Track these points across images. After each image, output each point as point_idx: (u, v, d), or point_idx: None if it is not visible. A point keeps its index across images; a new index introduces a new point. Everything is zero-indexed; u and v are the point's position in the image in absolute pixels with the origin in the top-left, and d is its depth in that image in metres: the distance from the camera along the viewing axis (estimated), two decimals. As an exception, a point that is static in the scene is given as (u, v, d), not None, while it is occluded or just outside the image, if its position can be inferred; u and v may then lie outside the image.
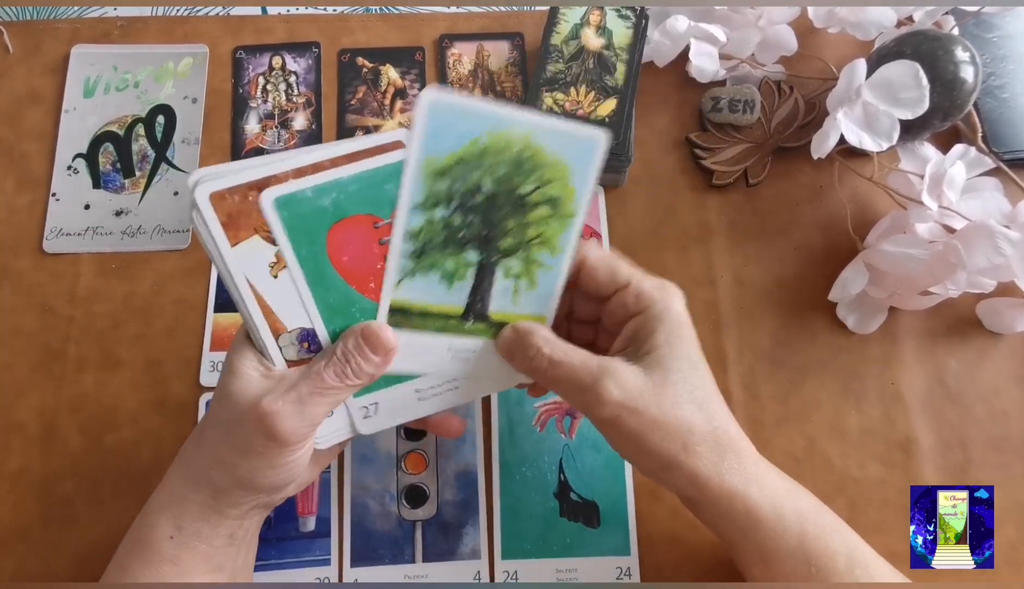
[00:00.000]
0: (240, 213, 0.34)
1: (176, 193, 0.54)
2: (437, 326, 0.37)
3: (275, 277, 0.35)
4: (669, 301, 0.37)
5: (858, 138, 0.46)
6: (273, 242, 0.35)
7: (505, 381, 0.40)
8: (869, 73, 0.46)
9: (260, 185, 0.34)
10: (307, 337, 0.36)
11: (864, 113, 0.47)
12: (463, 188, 0.35)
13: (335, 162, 0.35)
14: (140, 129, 0.56)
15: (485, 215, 0.36)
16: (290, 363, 0.36)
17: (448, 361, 0.38)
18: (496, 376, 0.39)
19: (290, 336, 0.36)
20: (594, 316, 0.40)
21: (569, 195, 0.36)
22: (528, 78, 0.58)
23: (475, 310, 0.38)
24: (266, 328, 0.35)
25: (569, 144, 0.35)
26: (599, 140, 0.36)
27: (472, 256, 0.37)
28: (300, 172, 0.34)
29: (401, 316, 0.37)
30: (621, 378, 0.35)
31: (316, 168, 0.34)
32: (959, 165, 0.47)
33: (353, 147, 0.35)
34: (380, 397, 0.38)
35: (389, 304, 0.36)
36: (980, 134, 0.53)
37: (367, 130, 0.56)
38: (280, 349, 0.36)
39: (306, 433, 0.35)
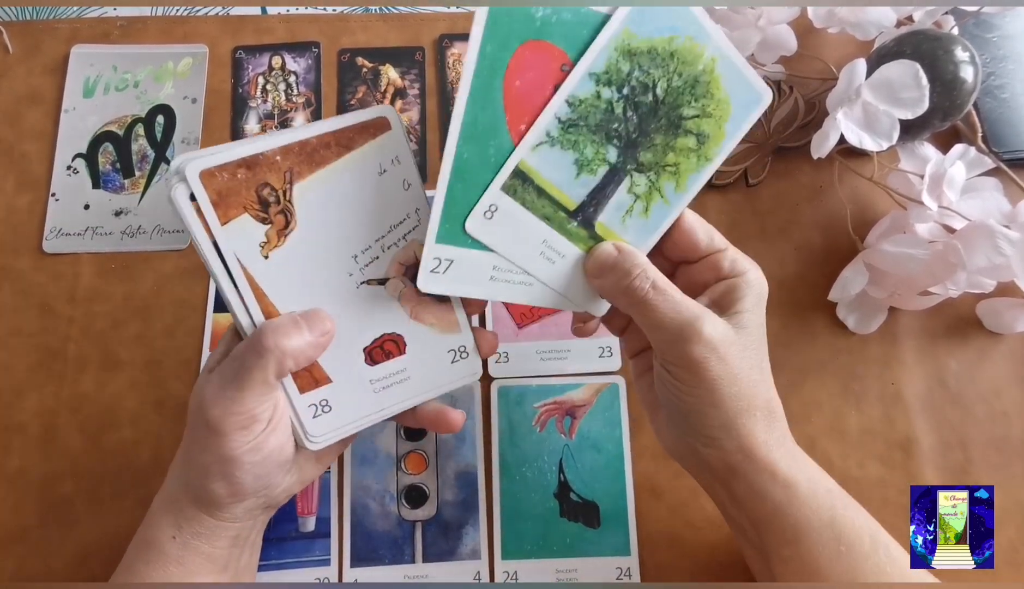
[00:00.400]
0: (230, 191, 0.34)
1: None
2: (545, 212, 0.36)
3: (266, 257, 0.35)
4: (758, 274, 0.37)
5: (858, 138, 0.46)
6: (264, 221, 0.34)
7: (576, 301, 0.39)
8: (869, 73, 0.46)
9: (249, 163, 0.33)
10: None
11: (864, 113, 0.46)
12: (640, 79, 0.34)
13: (321, 139, 0.34)
14: (140, 129, 0.56)
15: (644, 118, 0.35)
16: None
17: (536, 255, 0.36)
18: (570, 294, 0.38)
19: None
20: (670, 269, 0.40)
21: (718, 138, 0.36)
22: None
23: (586, 212, 0.36)
24: (243, 310, 0.35)
25: (742, 88, 0.35)
26: (765, 97, 0.36)
27: (612, 154, 0.35)
28: (287, 151, 0.34)
29: (519, 182, 0.35)
30: (716, 323, 0.35)
31: (303, 146, 0.34)
32: (959, 165, 0.47)
33: (338, 124, 0.35)
34: (457, 255, 0.35)
35: (516, 164, 0.34)
36: (980, 134, 0.53)
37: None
38: None
39: (237, 421, 0.34)
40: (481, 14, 0.31)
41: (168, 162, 0.55)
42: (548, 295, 0.38)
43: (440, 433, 0.48)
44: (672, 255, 0.39)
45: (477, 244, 0.35)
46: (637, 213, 0.37)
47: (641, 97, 0.34)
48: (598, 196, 0.36)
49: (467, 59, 0.32)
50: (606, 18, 0.33)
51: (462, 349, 0.40)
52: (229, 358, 0.35)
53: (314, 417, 0.37)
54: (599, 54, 0.33)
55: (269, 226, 0.35)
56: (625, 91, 0.34)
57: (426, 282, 0.35)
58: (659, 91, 0.34)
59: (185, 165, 0.33)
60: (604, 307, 0.39)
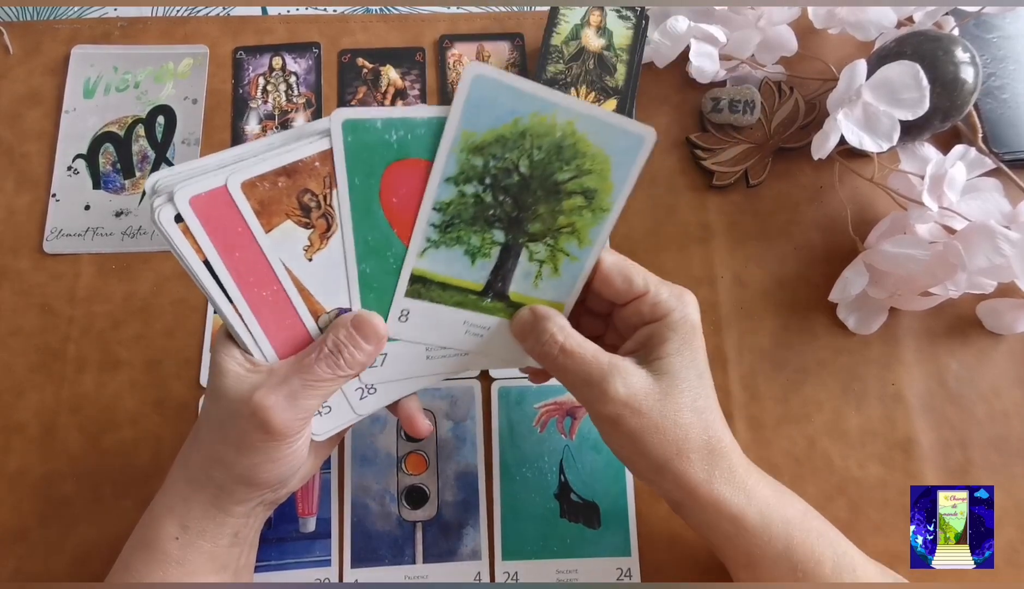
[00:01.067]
0: (272, 199, 0.34)
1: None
2: (455, 300, 0.37)
3: (310, 260, 0.35)
4: (685, 310, 0.37)
5: (858, 139, 0.46)
6: (305, 226, 0.35)
7: (513, 361, 0.40)
8: (869, 74, 0.46)
9: (289, 171, 0.34)
10: (344, 315, 0.36)
11: (864, 114, 0.47)
12: (498, 167, 0.35)
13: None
14: (140, 130, 0.56)
15: (517, 196, 0.36)
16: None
17: (462, 335, 0.38)
18: (506, 355, 0.39)
19: (328, 316, 0.36)
20: (606, 310, 0.40)
21: (607, 189, 0.36)
22: (528, 78, 0.57)
23: (495, 289, 0.37)
24: (242, 326, 0.35)
25: (615, 138, 0.35)
26: (646, 138, 0.35)
27: (499, 235, 0.36)
28: (325, 156, 0.34)
29: (421, 286, 0.37)
30: (629, 378, 0.35)
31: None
32: (959, 166, 0.47)
33: (285, 139, 0.35)
34: (389, 349, 0.37)
35: (411, 272, 0.36)
36: (980, 135, 0.53)
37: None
38: (261, 350, 0.36)
39: (300, 426, 0.35)
40: (339, 153, 0.34)
41: (169, 163, 0.55)
42: (487, 360, 0.40)
43: (409, 433, 0.48)
44: (599, 302, 0.39)
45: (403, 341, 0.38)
46: (547, 275, 0.38)
47: (507, 180, 0.35)
48: (500, 273, 0.37)
49: (339, 191, 0.34)
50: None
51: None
52: (291, 368, 0.35)
53: (319, 423, 0.38)
54: (447, 160, 0.34)
55: (311, 230, 0.35)
56: (488, 181, 0.35)
57: (368, 376, 0.38)
58: (523, 169, 0.35)
59: (173, 188, 0.33)
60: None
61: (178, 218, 0.33)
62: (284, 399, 0.34)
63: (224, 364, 0.36)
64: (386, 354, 0.38)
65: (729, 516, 0.36)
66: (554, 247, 0.37)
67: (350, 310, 0.36)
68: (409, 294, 0.37)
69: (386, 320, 0.37)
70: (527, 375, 0.43)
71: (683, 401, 0.36)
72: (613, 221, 0.37)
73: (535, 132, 0.34)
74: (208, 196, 0.33)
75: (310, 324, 0.36)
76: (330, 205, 0.35)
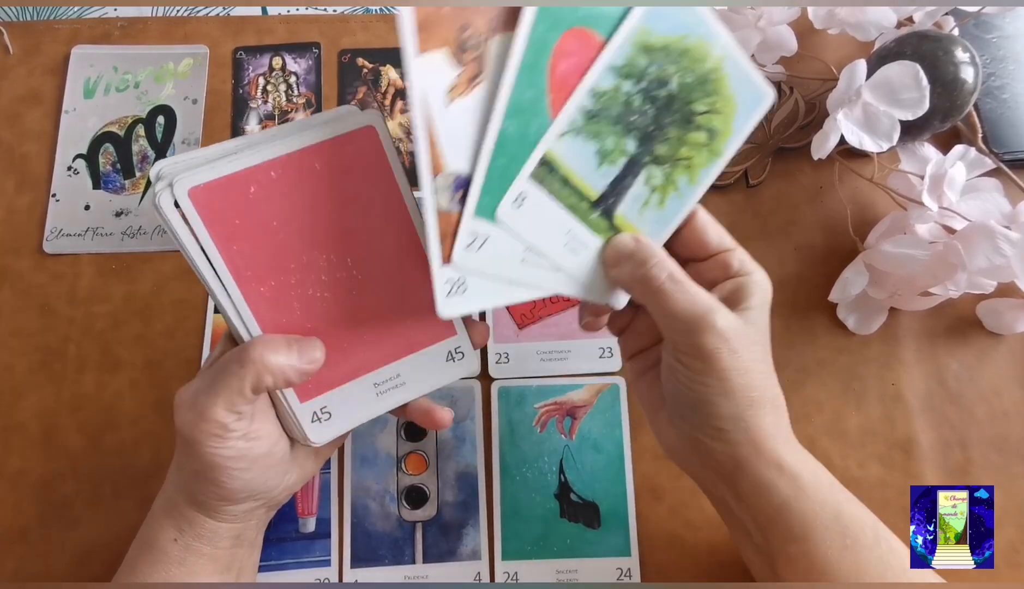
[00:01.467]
0: (437, 21, 0.31)
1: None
2: (570, 202, 0.36)
3: (450, 102, 0.33)
4: (764, 276, 0.38)
5: (858, 139, 0.46)
6: (459, 62, 0.32)
7: (596, 293, 0.39)
8: (869, 74, 0.46)
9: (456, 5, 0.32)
10: (462, 185, 0.34)
11: (864, 114, 0.47)
12: (656, 74, 0.35)
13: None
14: (140, 130, 0.56)
15: (660, 111, 0.36)
16: (441, 214, 0.33)
17: (561, 246, 0.37)
18: (590, 284, 0.38)
19: (446, 179, 0.33)
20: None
21: (726, 134, 0.37)
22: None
23: (607, 203, 0.37)
24: (237, 317, 0.35)
25: (747, 87, 0.36)
26: (768, 96, 0.37)
27: (630, 145, 0.36)
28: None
29: (546, 171, 0.35)
30: (730, 317, 0.35)
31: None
32: (959, 166, 0.47)
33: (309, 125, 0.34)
34: (494, 233, 0.35)
35: (544, 152, 0.35)
36: (980, 135, 0.53)
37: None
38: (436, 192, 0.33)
39: (207, 428, 0.34)
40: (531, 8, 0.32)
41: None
42: (571, 285, 0.38)
43: (429, 429, 0.48)
44: (682, 252, 0.39)
45: (506, 230, 0.36)
46: (653, 205, 0.38)
47: (657, 91, 0.36)
48: (618, 187, 0.37)
49: (517, 37, 0.32)
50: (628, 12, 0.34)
51: (457, 350, 0.41)
52: (210, 367, 0.35)
53: (312, 422, 0.38)
54: (619, 48, 0.34)
55: (461, 70, 0.33)
56: (643, 85, 0.35)
57: (463, 257, 0.35)
58: (673, 86, 0.36)
59: (175, 177, 0.33)
60: (623, 299, 0.40)
61: (177, 205, 0.33)
62: (190, 396, 0.34)
63: (203, 365, 0.36)
64: (488, 236, 0.35)
65: (790, 474, 0.36)
66: (669, 176, 0.37)
67: (468, 179, 0.34)
68: (534, 176, 0.35)
69: (502, 198, 0.35)
70: (592, 315, 0.41)
71: (763, 353, 0.36)
72: (721, 167, 0.38)
73: (693, 55, 0.35)
74: (207, 187, 0.33)
75: (493, 138, 0.34)
76: (486, 51, 0.33)
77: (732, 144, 0.37)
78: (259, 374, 0.34)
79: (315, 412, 0.38)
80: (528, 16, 0.32)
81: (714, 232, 0.38)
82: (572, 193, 0.36)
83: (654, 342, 0.41)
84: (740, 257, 0.38)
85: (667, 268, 0.35)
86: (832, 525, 0.36)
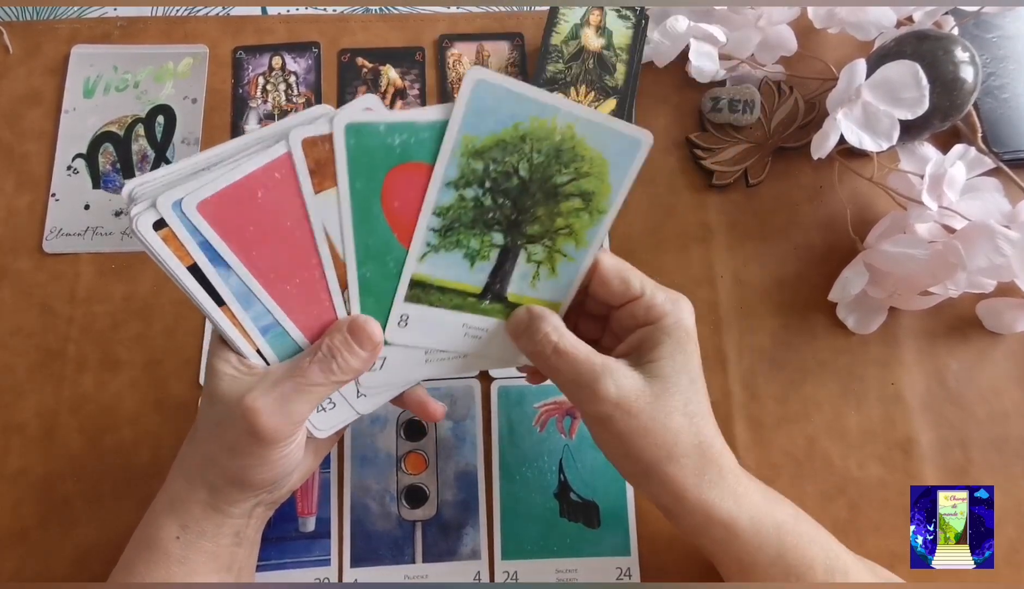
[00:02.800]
0: (328, 162, 0.34)
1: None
2: (454, 303, 0.38)
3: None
4: (680, 315, 0.37)
5: (858, 138, 0.46)
6: None
7: (510, 361, 0.40)
8: (869, 73, 0.46)
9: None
10: (341, 320, 0.36)
11: (864, 113, 0.47)
12: (498, 170, 0.35)
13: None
14: (140, 129, 0.56)
15: (516, 199, 0.36)
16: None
17: (461, 338, 0.39)
18: (503, 356, 0.40)
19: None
20: (603, 314, 0.40)
21: (604, 192, 0.36)
22: (528, 78, 0.58)
23: (494, 290, 0.38)
24: (235, 332, 0.35)
25: (612, 141, 0.35)
26: (642, 141, 0.35)
27: (498, 238, 0.37)
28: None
29: (420, 290, 0.37)
30: (621, 380, 0.35)
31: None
32: (959, 165, 0.47)
33: (240, 145, 0.35)
34: (388, 353, 0.38)
35: (410, 277, 0.36)
36: (980, 134, 0.53)
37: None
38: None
39: (291, 430, 0.35)
40: (340, 156, 0.33)
41: (168, 162, 0.55)
42: (485, 361, 0.40)
43: (422, 420, 0.48)
44: (596, 306, 0.40)
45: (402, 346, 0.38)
46: (544, 276, 0.38)
47: (506, 184, 0.36)
48: (499, 275, 0.38)
49: (340, 194, 0.34)
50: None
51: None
52: (284, 372, 0.35)
53: (318, 411, 0.38)
54: (448, 164, 0.35)
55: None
56: (488, 185, 0.35)
57: (367, 380, 0.38)
58: (523, 172, 0.35)
59: (156, 196, 0.33)
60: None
61: (157, 225, 0.33)
62: (274, 402, 0.34)
63: (218, 366, 0.36)
64: (385, 357, 0.38)
65: (719, 521, 0.36)
66: (552, 248, 0.37)
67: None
68: (409, 299, 0.37)
69: (385, 325, 0.37)
70: (524, 375, 0.43)
71: (674, 404, 0.36)
72: (609, 223, 0.37)
73: (535, 136, 0.35)
74: (216, 198, 0.33)
75: (340, 305, 0.36)
76: None
77: (616, 198, 0.37)
78: (343, 382, 0.36)
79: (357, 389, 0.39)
80: (343, 176, 0.34)
81: (617, 283, 0.37)
82: (454, 296, 0.38)
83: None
84: (646, 304, 0.37)
85: (551, 342, 0.36)
86: (774, 566, 0.36)
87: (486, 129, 0.34)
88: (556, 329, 0.36)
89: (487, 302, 0.38)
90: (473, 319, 0.38)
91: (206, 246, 0.34)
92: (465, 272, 0.37)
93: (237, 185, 0.33)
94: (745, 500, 0.37)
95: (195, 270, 0.34)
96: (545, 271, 0.38)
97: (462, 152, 0.34)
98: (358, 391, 0.39)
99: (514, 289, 0.38)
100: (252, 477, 0.36)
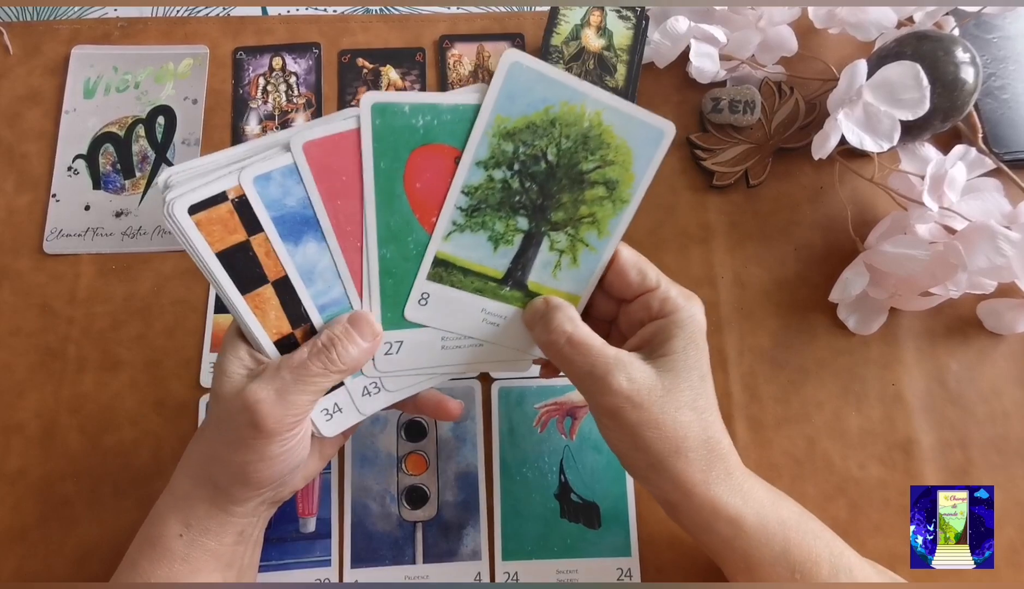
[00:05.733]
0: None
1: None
2: (475, 286, 0.38)
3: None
4: (693, 310, 0.37)
5: (859, 139, 0.46)
6: None
7: (524, 351, 0.40)
8: (869, 74, 0.46)
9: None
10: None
11: (865, 114, 0.47)
12: (527, 153, 0.36)
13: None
14: (140, 130, 0.56)
15: (543, 184, 0.36)
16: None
17: (479, 323, 0.39)
18: (518, 345, 0.40)
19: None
20: (611, 315, 0.40)
21: (628, 181, 0.37)
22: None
23: (515, 277, 0.38)
24: (255, 322, 0.35)
25: (637, 130, 0.36)
26: (667, 132, 0.36)
27: (522, 223, 0.37)
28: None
29: (443, 270, 0.37)
30: (633, 372, 0.35)
31: None
32: (960, 166, 0.47)
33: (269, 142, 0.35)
34: (405, 336, 0.38)
35: (434, 255, 0.37)
36: (981, 135, 0.53)
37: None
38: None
39: (291, 423, 0.35)
40: (366, 136, 0.34)
41: (169, 163, 0.55)
42: (499, 351, 0.40)
43: (439, 420, 0.48)
44: (606, 304, 0.40)
45: (419, 326, 0.38)
46: (566, 265, 0.38)
47: (534, 167, 0.36)
48: (521, 261, 0.38)
49: (364, 175, 0.35)
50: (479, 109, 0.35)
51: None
52: (283, 365, 0.35)
53: (385, 354, 0.38)
54: (479, 144, 0.35)
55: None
56: (516, 167, 0.36)
57: (383, 364, 0.38)
58: (550, 157, 0.36)
59: (171, 186, 0.33)
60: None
61: (192, 210, 0.33)
62: (274, 393, 0.34)
63: (226, 365, 0.36)
64: (402, 342, 0.38)
65: (726, 517, 0.36)
66: (575, 237, 0.37)
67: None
68: (431, 277, 0.37)
69: (405, 304, 0.37)
70: (534, 375, 0.43)
71: (684, 399, 0.36)
72: (632, 212, 0.37)
73: (564, 121, 0.35)
74: (323, 142, 0.34)
75: (374, 261, 0.37)
76: None
77: (638, 187, 0.37)
78: (342, 372, 0.36)
79: (390, 343, 0.38)
80: (367, 156, 0.34)
81: (634, 274, 0.38)
82: (476, 279, 0.38)
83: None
84: (661, 297, 0.37)
85: (566, 332, 0.36)
86: (778, 563, 0.36)
87: (518, 111, 0.35)
88: (571, 320, 0.37)
89: (508, 288, 0.38)
90: (493, 305, 0.38)
91: (280, 221, 0.35)
92: (488, 255, 0.37)
93: (340, 135, 0.34)
94: (751, 497, 0.37)
95: (224, 256, 0.35)
96: (567, 261, 0.38)
97: (494, 133, 0.35)
98: (368, 390, 0.39)
99: (536, 277, 0.38)
100: (255, 473, 0.36)
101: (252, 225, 0.35)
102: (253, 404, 0.34)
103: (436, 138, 0.35)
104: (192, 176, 0.34)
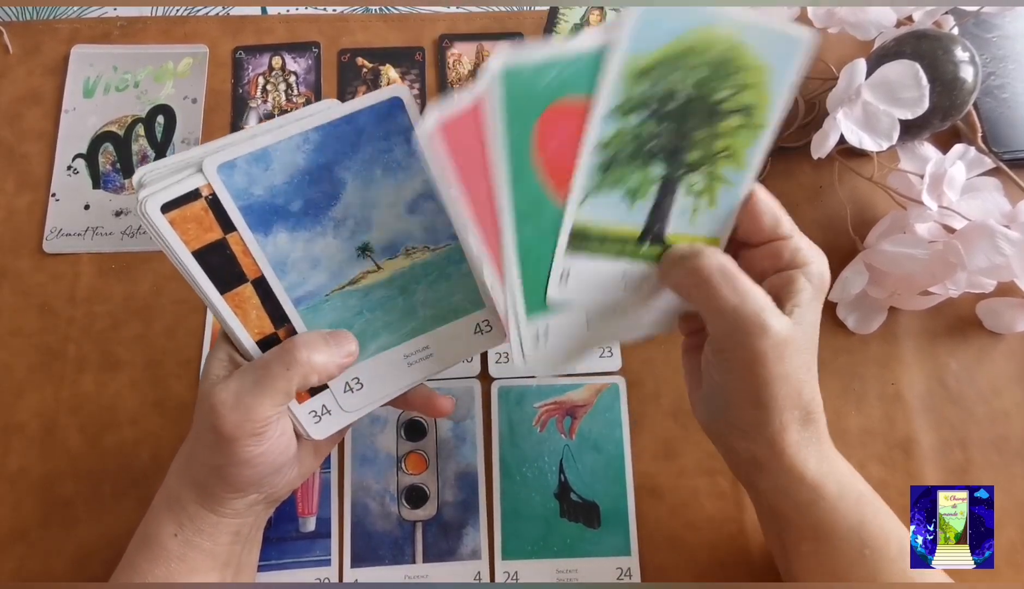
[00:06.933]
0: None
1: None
2: (615, 250, 0.35)
3: None
4: (823, 266, 0.35)
5: (858, 138, 0.46)
6: None
7: (671, 312, 0.38)
8: (869, 73, 0.46)
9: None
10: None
11: (864, 113, 0.46)
12: (660, 92, 0.33)
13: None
14: (140, 129, 0.56)
15: (678, 123, 0.33)
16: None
17: (619, 290, 0.36)
18: (666, 306, 0.37)
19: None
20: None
21: (764, 102, 0.34)
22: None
23: (653, 231, 0.35)
24: (238, 324, 0.35)
25: (774, 44, 0.33)
26: (804, 40, 0.33)
27: (657, 170, 0.34)
28: None
29: (580, 241, 0.34)
30: (782, 320, 0.33)
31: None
32: (959, 165, 0.47)
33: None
34: (551, 323, 0.36)
35: (571, 227, 0.34)
36: (980, 134, 0.53)
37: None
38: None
39: (251, 427, 0.34)
40: (495, 103, 0.30)
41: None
42: (646, 314, 0.38)
43: (429, 417, 0.48)
44: (734, 237, 0.37)
45: (564, 307, 0.36)
46: (703, 208, 0.35)
47: (669, 106, 0.33)
48: (659, 212, 0.35)
49: (495, 147, 0.31)
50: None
51: (485, 323, 0.40)
52: (249, 367, 0.35)
53: (344, 392, 0.38)
54: (610, 91, 0.32)
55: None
56: (650, 109, 0.33)
57: (531, 353, 0.36)
58: (685, 92, 0.33)
59: (144, 183, 0.33)
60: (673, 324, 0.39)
61: (165, 208, 0.33)
62: (232, 397, 0.33)
63: (208, 364, 0.36)
64: (548, 327, 0.36)
65: (810, 483, 0.35)
66: (712, 174, 0.35)
67: None
68: (570, 251, 0.34)
69: (546, 287, 0.35)
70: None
71: (808, 358, 0.34)
72: (769, 138, 0.34)
73: (698, 48, 0.32)
74: (457, 119, 0.31)
75: (511, 245, 0.34)
76: None
77: (776, 107, 0.34)
78: (306, 375, 0.34)
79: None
80: (498, 133, 0.31)
81: (768, 217, 0.35)
82: (614, 243, 0.35)
83: None
84: (793, 246, 0.35)
85: (718, 260, 0.33)
86: (851, 534, 0.35)
87: (651, 46, 0.32)
88: (721, 253, 0.34)
89: (647, 245, 0.35)
90: (633, 267, 0.36)
91: (248, 211, 0.34)
92: (625, 213, 0.34)
93: (475, 109, 0.31)
94: (835, 466, 0.36)
95: (200, 255, 0.34)
96: (705, 202, 0.35)
97: (627, 74, 0.32)
98: (346, 386, 0.38)
99: (674, 228, 0.35)
100: (231, 476, 0.35)
101: (227, 223, 0.34)
102: (214, 407, 0.33)
103: (566, 90, 0.31)
104: (165, 174, 0.33)
